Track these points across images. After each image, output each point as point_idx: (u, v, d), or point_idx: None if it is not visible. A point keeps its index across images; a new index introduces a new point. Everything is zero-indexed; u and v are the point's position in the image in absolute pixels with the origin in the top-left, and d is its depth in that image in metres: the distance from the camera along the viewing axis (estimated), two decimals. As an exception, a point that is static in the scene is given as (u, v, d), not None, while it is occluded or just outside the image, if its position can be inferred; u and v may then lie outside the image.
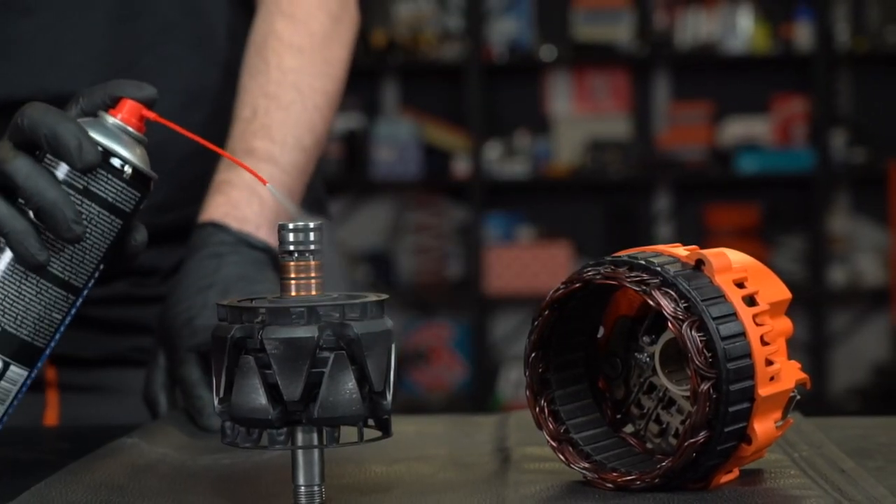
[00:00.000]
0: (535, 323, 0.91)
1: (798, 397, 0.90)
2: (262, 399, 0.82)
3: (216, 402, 0.85)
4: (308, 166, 1.33)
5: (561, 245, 5.31)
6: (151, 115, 0.97)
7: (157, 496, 0.91)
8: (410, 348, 5.32)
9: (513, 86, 5.42)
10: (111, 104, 0.98)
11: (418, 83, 5.42)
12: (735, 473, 0.90)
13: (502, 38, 5.35)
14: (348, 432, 0.85)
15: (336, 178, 5.26)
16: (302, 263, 0.85)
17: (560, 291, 0.89)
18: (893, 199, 5.12)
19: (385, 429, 0.87)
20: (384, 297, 0.86)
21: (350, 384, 0.83)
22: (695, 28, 5.27)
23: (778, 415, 0.89)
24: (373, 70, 5.37)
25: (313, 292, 0.85)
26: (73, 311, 0.98)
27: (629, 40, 5.29)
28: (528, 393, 0.92)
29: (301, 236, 0.85)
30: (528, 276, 5.25)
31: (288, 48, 1.35)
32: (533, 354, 0.91)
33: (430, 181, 5.34)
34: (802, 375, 0.90)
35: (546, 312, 0.90)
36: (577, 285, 0.89)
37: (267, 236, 1.25)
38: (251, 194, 1.27)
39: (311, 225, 0.85)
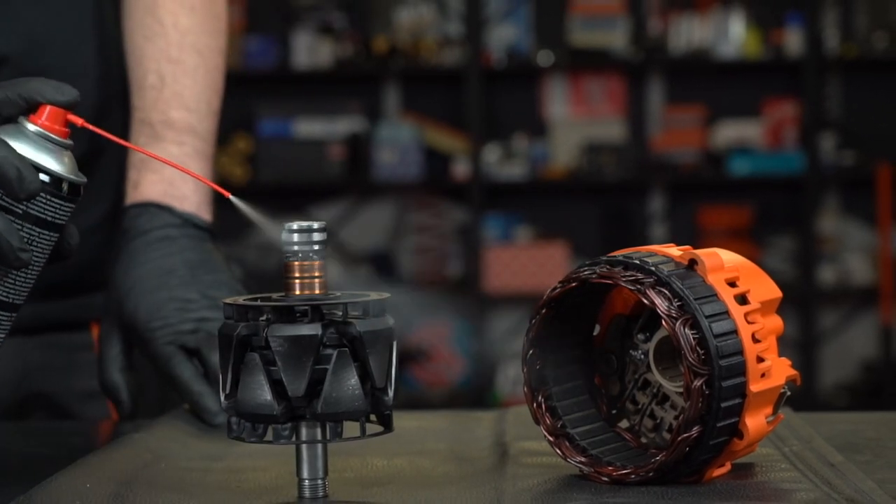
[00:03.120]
0: (533, 321, 0.91)
1: (788, 393, 0.90)
2: (267, 395, 0.82)
3: (222, 397, 0.85)
4: (217, 129, 1.29)
5: (558, 245, 5.31)
6: (78, 120, 0.91)
7: (165, 490, 0.91)
8: (411, 346, 5.32)
9: (511, 90, 5.42)
10: (29, 108, 0.91)
11: (419, 88, 5.42)
12: (727, 467, 0.90)
13: (501, 43, 5.34)
14: (351, 427, 0.85)
15: (339, 180, 5.26)
16: (306, 263, 0.85)
17: (557, 290, 0.89)
18: (881, 200, 5.11)
19: (387, 424, 0.87)
20: (386, 295, 0.86)
21: (353, 380, 0.83)
22: (688, 34, 5.27)
23: (769, 410, 0.88)
24: (375, 75, 5.37)
25: (317, 291, 0.85)
26: (10, 326, 0.94)
27: (624, 46, 5.29)
28: (525, 389, 0.92)
29: (305, 237, 0.85)
30: (525, 276, 5.24)
31: (181, 6, 1.29)
32: (530, 352, 0.91)
33: (430, 183, 5.34)
34: (793, 372, 0.90)
35: (543, 311, 0.90)
36: (574, 284, 0.89)
37: (207, 215, 1.22)
38: (152, 171, 1.22)
39: (315, 226, 0.85)
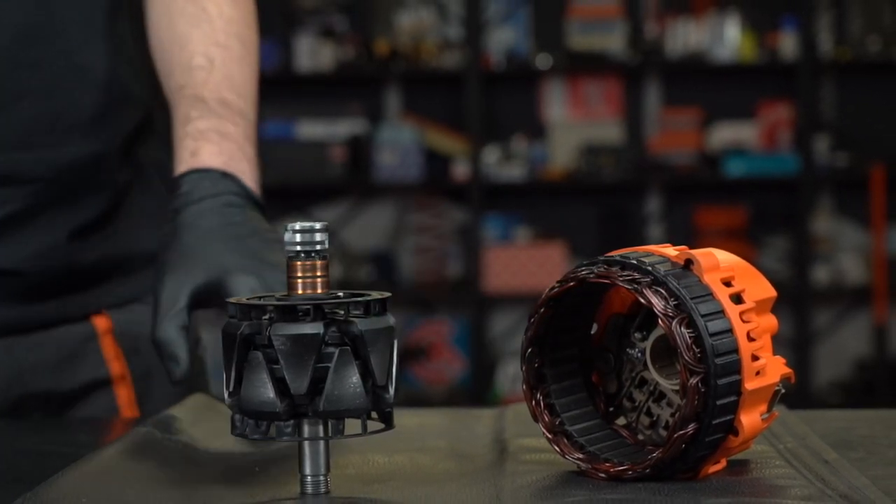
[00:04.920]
0: (532, 320, 0.91)
1: (783, 391, 0.90)
2: (270, 393, 0.82)
3: (226, 395, 0.85)
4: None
5: (556, 245, 5.31)
6: None
7: (169, 485, 0.91)
8: (412, 344, 5.31)
9: (510, 93, 5.42)
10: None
11: (419, 90, 5.42)
12: (722, 464, 0.90)
13: (500, 46, 5.34)
14: (352, 424, 0.85)
15: (340, 181, 5.26)
16: (308, 263, 0.85)
17: (555, 290, 0.89)
18: (874, 201, 5.12)
19: (387, 421, 0.87)
20: (387, 294, 0.86)
21: (354, 378, 0.83)
22: (684, 37, 5.27)
23: (763, 408, 0.88)
24: (376, 77, 5.37)
25: (319, 290, 0.85)
26: None
27: (621, 49, 5.29)
28: (524, 387, 0.92)
29: (307, 237, 0.85)
30: (524, 275, 5.24)
31: None
32: (529, 350, 0.91)
33: (430, 184, 5.34)
34: (787, 370, 0.90)
35: (542, 310, 0.90)
36: (572, 284, 0.89)
37: (258, 196, 1.18)
38: (239, 149, 1.20)
39: (317, 226, 0.85)
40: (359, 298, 0.84)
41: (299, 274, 0.85)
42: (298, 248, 0.85)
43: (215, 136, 1.19)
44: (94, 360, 1.30)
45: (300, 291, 0.85)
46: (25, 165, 1.22)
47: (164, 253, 1.12)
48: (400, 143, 5.26)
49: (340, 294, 0.86)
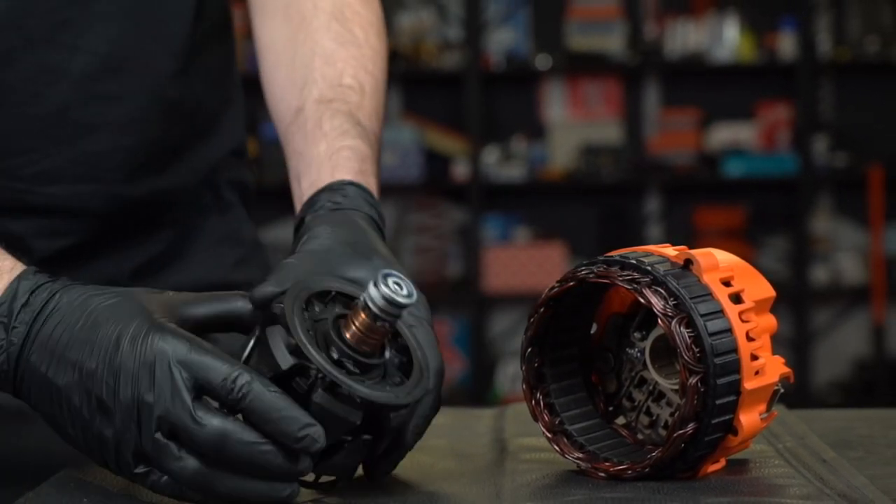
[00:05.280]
0: (532, 320, 0.91)
1: (782, 390, 0.90)
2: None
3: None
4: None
5: (556, 245, 5.31)
6: None
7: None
8: (412, 344, 5.31)
9: (510, 93, 5.42)
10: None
11: (419, 91, 5.42)
12: (722, 463, 0.90)
13: (500, 47, 5.34)
14: None
15: (341, 181, 5.25)
16: (378, 325, 0.82)
17: (555, 290, 0.89)
18: (873, 201, 5.12)
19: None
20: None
21: (356, 459, 0.84)
22: (683, 38, 5.27)
23: (763, 407, 0.89)
24: (376, 78, 5.36)
25: (369, 349, 0.83)
26: None
27: (621, 50, 5.29)
28: (524, 386, 0.92)
29: (393, 310, 0.81)
30: (524, 275, 5.24)
31: (370, 26, 1.21)
32: (529, 350, 0.91)
33: (430, 184, 5.34)
34: (786, 370, 0.90)
35: (542, 310, 0.90)
36: (572, 284, 0.89)
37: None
38: (373, 175, 1.12)
39: (405, 302, 0.81)
40: (400, 400, 0.83)
41: (360, 327, 0.82)
42: (378, 312, 0.81)
43: (370, 166, 1.13)
44: None
45: (351, 339, 0.82)
46: (90, 199, 1.14)
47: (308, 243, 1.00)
48: (400, 144, 5.26)
49: (392, 394, 0.83)
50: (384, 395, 0.82)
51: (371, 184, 1.10)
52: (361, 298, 0.82)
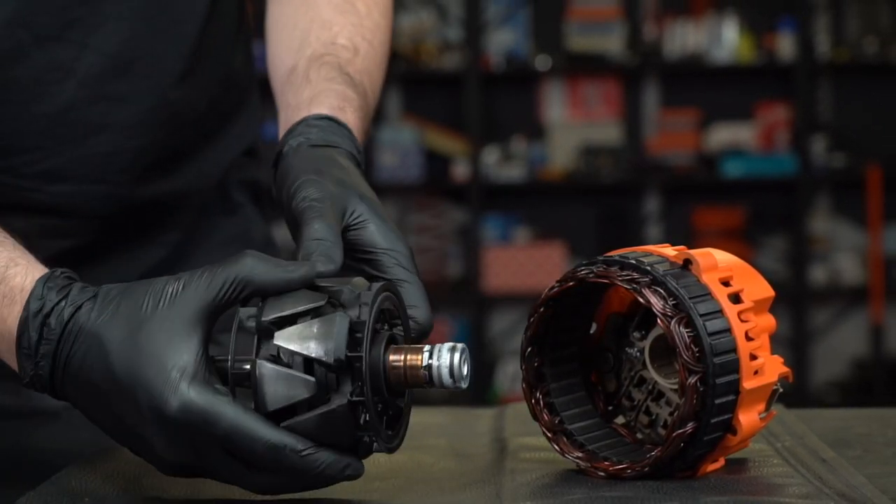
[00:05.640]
0: (531, 319, 0.91)
1: (781, 390, 0.90)
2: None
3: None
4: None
5: (555, 245, 5.31)
6: None
7: (173, 484, 0.91)
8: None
9: (510, 94, 5.42)
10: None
11: (420, 91, 5.42)
12: (721, 462, 0.90)
13: (500, 48, 5.34)
14: None
15: (341, 181, 5.25)
16: (421, 377, 0.84)
17: (555, 289, 0.89)
18: (871, 201, 5.12)
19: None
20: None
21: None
22: (682, 39, 5.27)
23: (762, 407, 0.88)
24: (376, 79, 5.36)
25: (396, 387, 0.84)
26: None
27: (620, 51, 5.29)
28: (524, 386, 0.92)
29: (448, 383, 0.84)
30: (524, 275, 5.24)
31: (374, 3, 1.20)
32: (529, 349, 0.91)
33: (430, 184, 5.34)
34: (785, 369, 0.90)
35: (541, 309, 0.90)
36: (571, 284, 0.89)
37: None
38: (354, 116, 1.08)
39: (462, 387, 0.85)
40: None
41: (407, 377, 0.84)
42: (435, 380, 0.84)
43: (350, 106, 1.08)
44: None
45: (391, 375, 0.84)
46: (95, 200, 1.13)
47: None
48: (400, 144, 5.26)
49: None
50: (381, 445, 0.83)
51: (350, 121, 1.06)
52: (427, 362, 0.83)
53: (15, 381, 0.87)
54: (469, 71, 5.22)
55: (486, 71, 5.27)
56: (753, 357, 0.87)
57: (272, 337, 0.81)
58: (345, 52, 1.14)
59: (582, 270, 0.88)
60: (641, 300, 0.85)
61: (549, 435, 0.91)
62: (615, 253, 0.90)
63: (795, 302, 5.17)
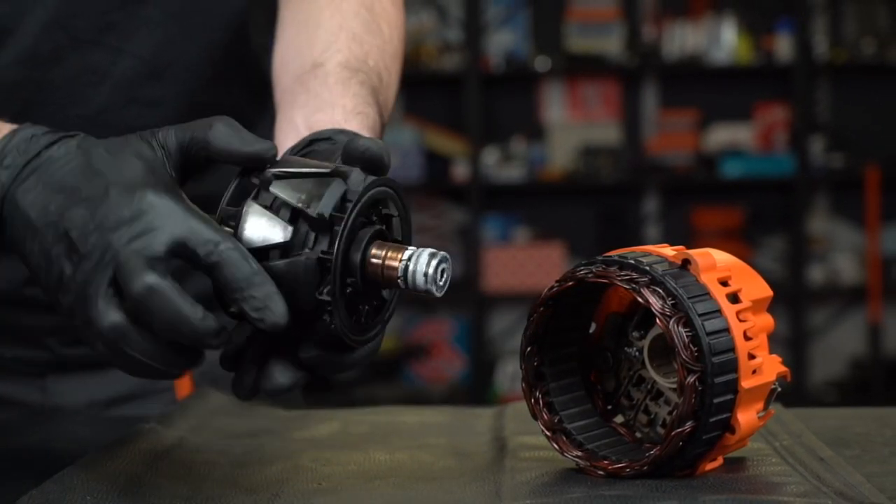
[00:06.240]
0: (531, 319, 0.91)
1: (779, 389, 0.90)
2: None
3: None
4: None
5: (555, 245, 5.31)
6: None
7: (174, 482, 0.91)
8: (412, 343, 5.31)
9: (509, 95, 5.42)
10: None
11: (420, 92, 5.42)
12: (719, 461, 0.90)
13: (499, 49, 5.34)
14: None
15: (342, 181, 5.25)
16: (397, 282, 0.83)
17: (554, 289, 0.89)
18: (869, 201, 5.12)
19: None
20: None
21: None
22: (681, 40, 5.27)
23: (760, 406, 0.89)
24: (377, 80, 5.36)
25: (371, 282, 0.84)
26: None
27: (619, 52, 5.29)
28: (523, 385, 0.92)
29: (424, 287, 0.83)
30: (523, 275, 5.24)
31: (395, 27, 1.20)
32: (528, 349, 0.91)
33: (431, 185, 5.34)
34: (783, 369, 0.90)
35: (541, 309, 0.90)
36: (571, 283, 0.89)
37: None
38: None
39: (437, 296, 0.84)
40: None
41: (383, 275, 0.83)
42: (409, 284, 0.83)
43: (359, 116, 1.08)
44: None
45: (369, 270, 0.83)
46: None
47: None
48: (400, 145, 5.26)
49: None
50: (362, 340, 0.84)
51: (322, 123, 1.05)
52: (404, 262, 0.82)
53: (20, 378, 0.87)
54: (469, 72, 5.22)
55: (485, 72, 5.27)
56: (752, 356, 0.87)
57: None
58: (375, 77, 1.15)
59: (581, 270, 0.88)
60: (640, 300, 0.86)
61: (548, 434, 0.91)
62: (614, 253, 0.90)
63: (794, 301, 5.17)
